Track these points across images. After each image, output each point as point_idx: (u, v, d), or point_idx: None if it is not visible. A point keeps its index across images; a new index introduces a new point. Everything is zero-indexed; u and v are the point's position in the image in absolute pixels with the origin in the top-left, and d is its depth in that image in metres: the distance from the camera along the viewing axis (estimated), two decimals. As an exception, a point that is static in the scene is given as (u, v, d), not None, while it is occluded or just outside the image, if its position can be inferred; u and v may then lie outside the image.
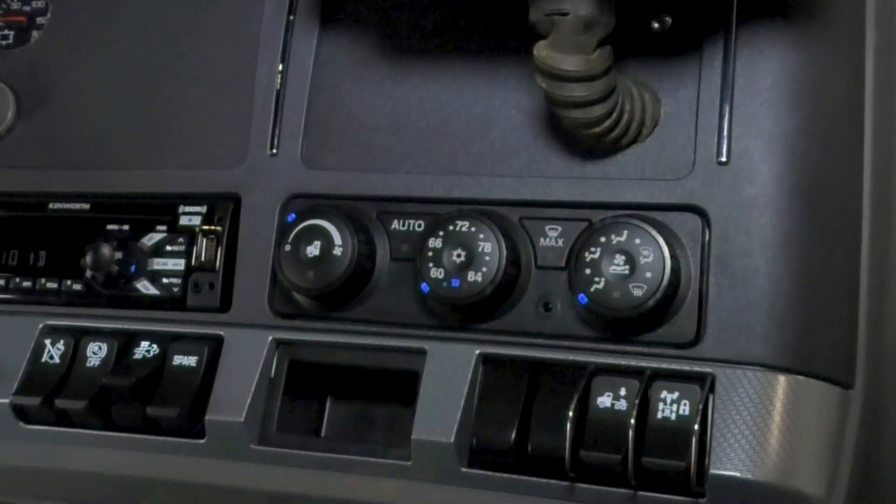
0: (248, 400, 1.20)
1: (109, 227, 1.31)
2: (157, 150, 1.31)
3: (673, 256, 1.08)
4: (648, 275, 1.07)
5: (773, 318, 1.07)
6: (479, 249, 1.12)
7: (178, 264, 1.27)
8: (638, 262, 1.07)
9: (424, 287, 1.14)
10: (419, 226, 1.19)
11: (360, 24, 1.26)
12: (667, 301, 1.08)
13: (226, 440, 1.21)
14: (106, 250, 1.26)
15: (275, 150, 1.26)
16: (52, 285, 1.32)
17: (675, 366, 1.09)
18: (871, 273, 1.11)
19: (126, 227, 1.30)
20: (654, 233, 1.08)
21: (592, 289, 1.08)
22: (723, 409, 1.06)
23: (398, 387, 1.20)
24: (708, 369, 1.07)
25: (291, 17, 1.29)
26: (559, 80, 1.04)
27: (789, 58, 1.09)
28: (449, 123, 1.20)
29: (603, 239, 1.09)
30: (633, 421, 1.06)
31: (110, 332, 1.28)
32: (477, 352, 1.15)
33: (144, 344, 1.26)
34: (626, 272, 1.08)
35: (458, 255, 1.13)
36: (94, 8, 1.38)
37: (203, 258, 1.26)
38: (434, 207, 1.18)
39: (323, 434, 1.27)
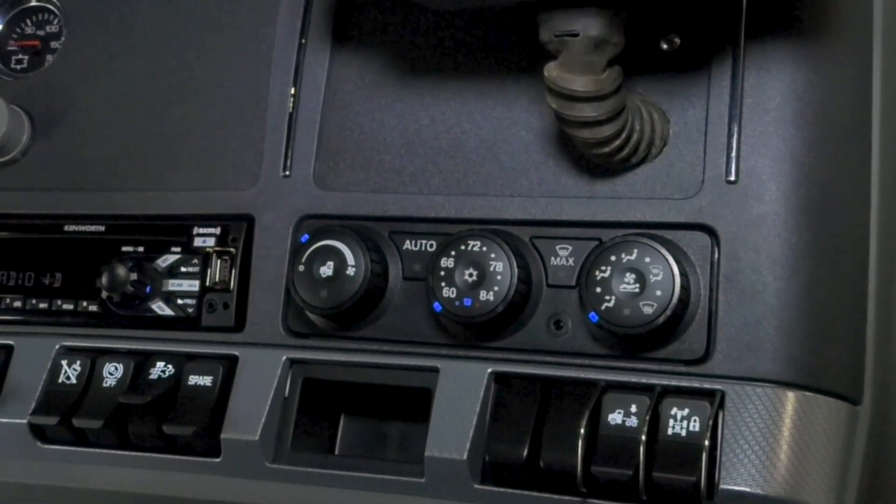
0: (263, 418, 1.21)
1: (124, 248, 1.31)
2: (171, 172, 1.32)
3: (682, 274, 1.08)
4: (658, 293, 1.08)
5: (781, 335, 1.07)
6: (491, 269, 1.13)
7: (193, 285, 1.28)
8: (648, 280, 1.08)
9: (437, 306, 1.14)
10: (431, 246, 1.20)
11: (371, 47, 1.27)
12: (676, 318, 1.09)
13: (241, 458, 1.22)
14: (121, 271, 1.27)
15: (287, 172, 1.27)
16: (68, 306, 1.33)
17: (684, 382, 1.09)
18: (879, 289, 1.12)
19: (141, 249, 1.31)
20: (664, 251, 1.09)
21: (603, 307, 1.09)
22: (732, 425, 1.06)
23: (411, 405, 1.21)
24: (717, 386, 1.08)
25: (303, 40, 1.29)
26: (569, 99, 1.05)
27: (797, 77, 1.10)
28: (460, 144, 1.21)
29: (613, 257, 1.10)
30: (643, 437, 1.06)
31: (126, 352, 1.29)
32: (489, 370, 1.15)
33: (160, 364, 1.27)
34: (637, 290, 1.08)
35: (470, 275, 1.14)
36: (108, 32, 1.39)
37: (217, 278, 1.27)
38: (446, 227, 1.19)
39: (337, 452, 1.28)
